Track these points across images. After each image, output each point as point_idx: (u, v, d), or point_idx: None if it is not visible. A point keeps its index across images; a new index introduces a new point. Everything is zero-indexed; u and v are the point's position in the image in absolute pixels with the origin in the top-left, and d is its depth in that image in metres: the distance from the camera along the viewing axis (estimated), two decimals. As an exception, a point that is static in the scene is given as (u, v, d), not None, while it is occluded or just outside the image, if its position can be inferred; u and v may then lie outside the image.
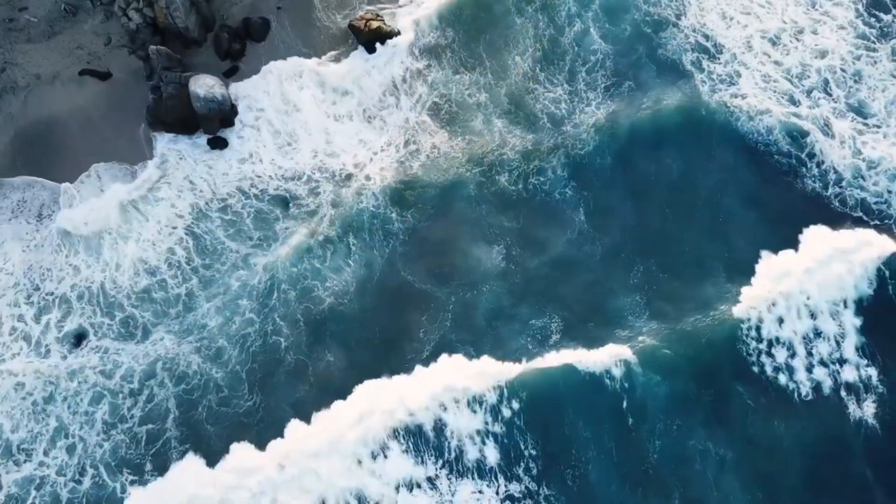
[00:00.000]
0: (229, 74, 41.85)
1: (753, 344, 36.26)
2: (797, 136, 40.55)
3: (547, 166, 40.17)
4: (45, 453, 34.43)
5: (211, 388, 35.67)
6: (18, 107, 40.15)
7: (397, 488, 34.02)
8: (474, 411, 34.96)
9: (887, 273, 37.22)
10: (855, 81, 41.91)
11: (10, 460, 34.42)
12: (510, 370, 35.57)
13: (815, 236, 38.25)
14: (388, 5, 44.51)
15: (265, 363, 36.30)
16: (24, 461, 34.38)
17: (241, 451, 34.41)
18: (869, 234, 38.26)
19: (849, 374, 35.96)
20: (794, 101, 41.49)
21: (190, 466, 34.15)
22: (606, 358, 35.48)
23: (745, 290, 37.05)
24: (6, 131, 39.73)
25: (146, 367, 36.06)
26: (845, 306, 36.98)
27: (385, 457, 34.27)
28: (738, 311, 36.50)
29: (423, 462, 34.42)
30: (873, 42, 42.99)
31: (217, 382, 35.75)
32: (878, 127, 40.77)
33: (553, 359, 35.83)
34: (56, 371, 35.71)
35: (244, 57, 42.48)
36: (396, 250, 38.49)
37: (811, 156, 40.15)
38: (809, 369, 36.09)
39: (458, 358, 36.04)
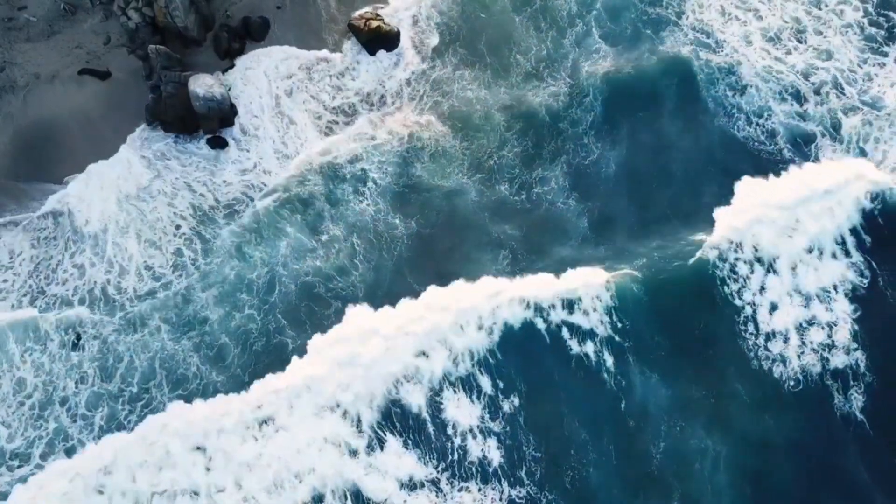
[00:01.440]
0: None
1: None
2: (800, 142, 40.56)
3: (548, 175, 40.22)
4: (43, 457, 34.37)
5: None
6: (17, 106, 39.94)
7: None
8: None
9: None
10: (865, 80, 41.91)
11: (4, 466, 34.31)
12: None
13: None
14: (386, 5, 44.24)
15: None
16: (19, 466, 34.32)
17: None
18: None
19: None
20: (798, 99, 41.48)
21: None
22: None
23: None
24: (5, 131, 39.48)
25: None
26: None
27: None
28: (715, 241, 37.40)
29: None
30: (881, 44, 42.96)
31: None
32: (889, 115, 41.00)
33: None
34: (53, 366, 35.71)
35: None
36: (403, 255, 38.26)
37: (815, 159, 40.25)
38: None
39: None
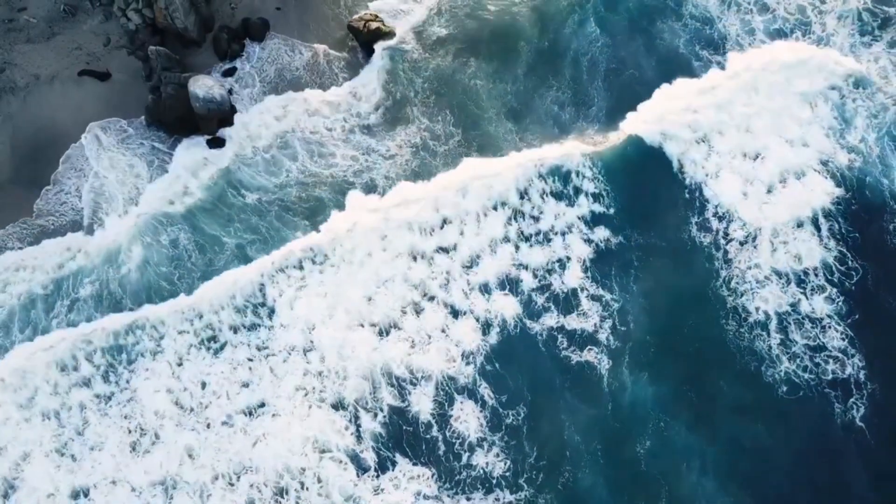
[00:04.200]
0: (228, 75, 41.80)
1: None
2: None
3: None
4: None
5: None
6: (18, 107, 40.08)
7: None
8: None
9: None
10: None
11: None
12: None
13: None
14: (385, 8, 44.28)
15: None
16: None
17: None
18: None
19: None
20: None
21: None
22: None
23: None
24: (5, 132, 39.65)
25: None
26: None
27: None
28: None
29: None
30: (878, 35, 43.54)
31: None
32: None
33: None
34: None
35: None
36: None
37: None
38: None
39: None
